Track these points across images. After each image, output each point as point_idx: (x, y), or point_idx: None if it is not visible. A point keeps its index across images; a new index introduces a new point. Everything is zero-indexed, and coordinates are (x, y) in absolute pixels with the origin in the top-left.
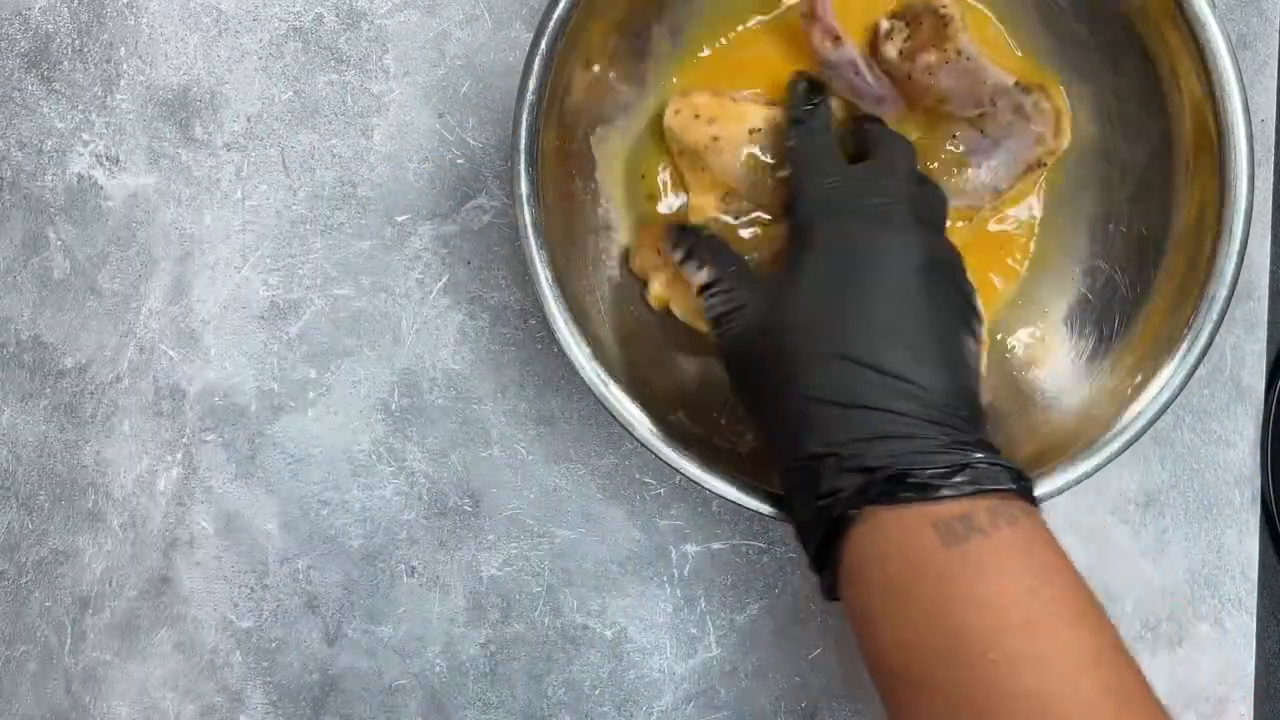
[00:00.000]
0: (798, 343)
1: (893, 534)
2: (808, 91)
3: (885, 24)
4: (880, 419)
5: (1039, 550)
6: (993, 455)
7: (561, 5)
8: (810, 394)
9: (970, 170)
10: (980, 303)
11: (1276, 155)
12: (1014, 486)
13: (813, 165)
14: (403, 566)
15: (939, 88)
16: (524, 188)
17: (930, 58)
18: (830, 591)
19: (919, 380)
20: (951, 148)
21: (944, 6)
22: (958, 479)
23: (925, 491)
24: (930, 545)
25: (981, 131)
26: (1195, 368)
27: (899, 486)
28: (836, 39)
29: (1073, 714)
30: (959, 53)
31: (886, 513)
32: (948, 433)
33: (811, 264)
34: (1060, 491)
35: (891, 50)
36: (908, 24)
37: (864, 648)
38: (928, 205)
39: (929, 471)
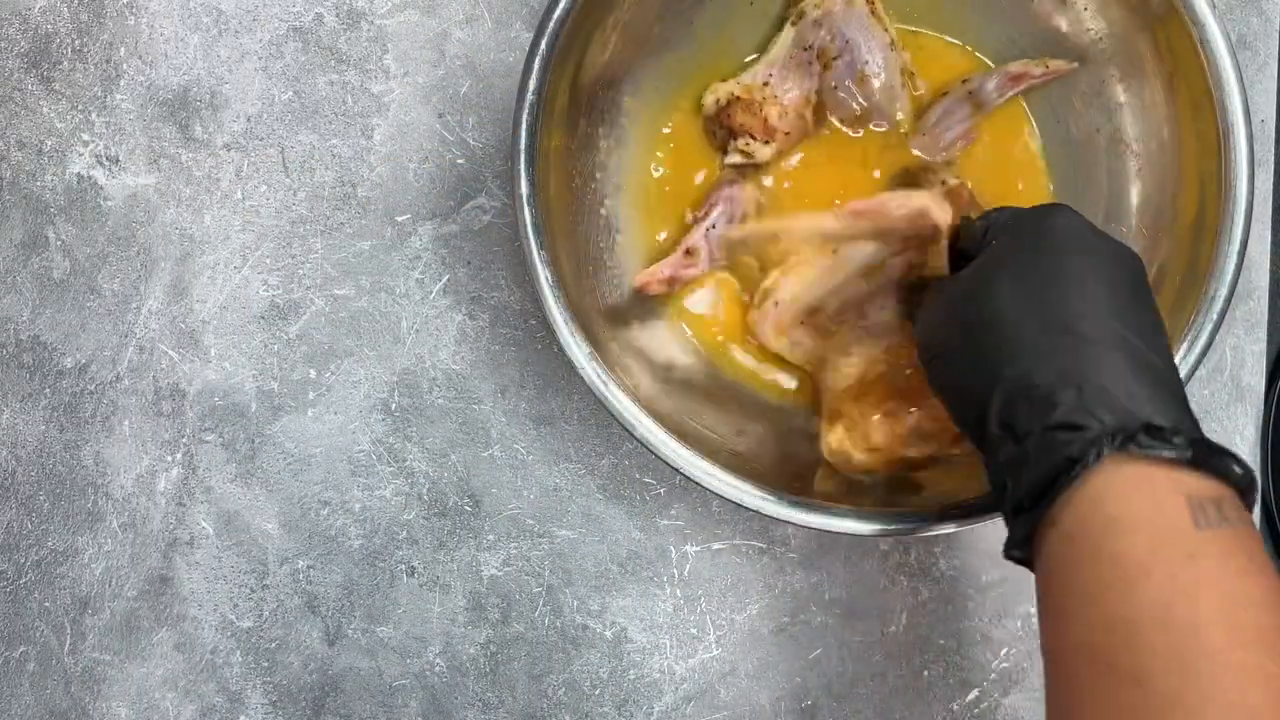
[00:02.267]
0: (1020, 320)
1: (1140, 496)
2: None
3: None
4: (1116, 379)
5: (1266, 557)
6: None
7: (561, 5)
8: (1065, 328)
9: None
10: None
11: (1276, 155)
12: (1242, 476)
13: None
14: (403, 566)
15: None
16: (524, 188)
17: None
18: (1022, 546)
19: (1156, 358)
20: None
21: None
22: (1214, 454)
23: (1177, 450)
24: (1182, 522)
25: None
26: (1195, 368)
27: (1159, 436)
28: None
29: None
30: None
31: (1134, 468)
32: (1185, 409)
33: (1005, 275)
34: None
35: None
36: None
37: (1061, 621)
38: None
39: (1188, 435)
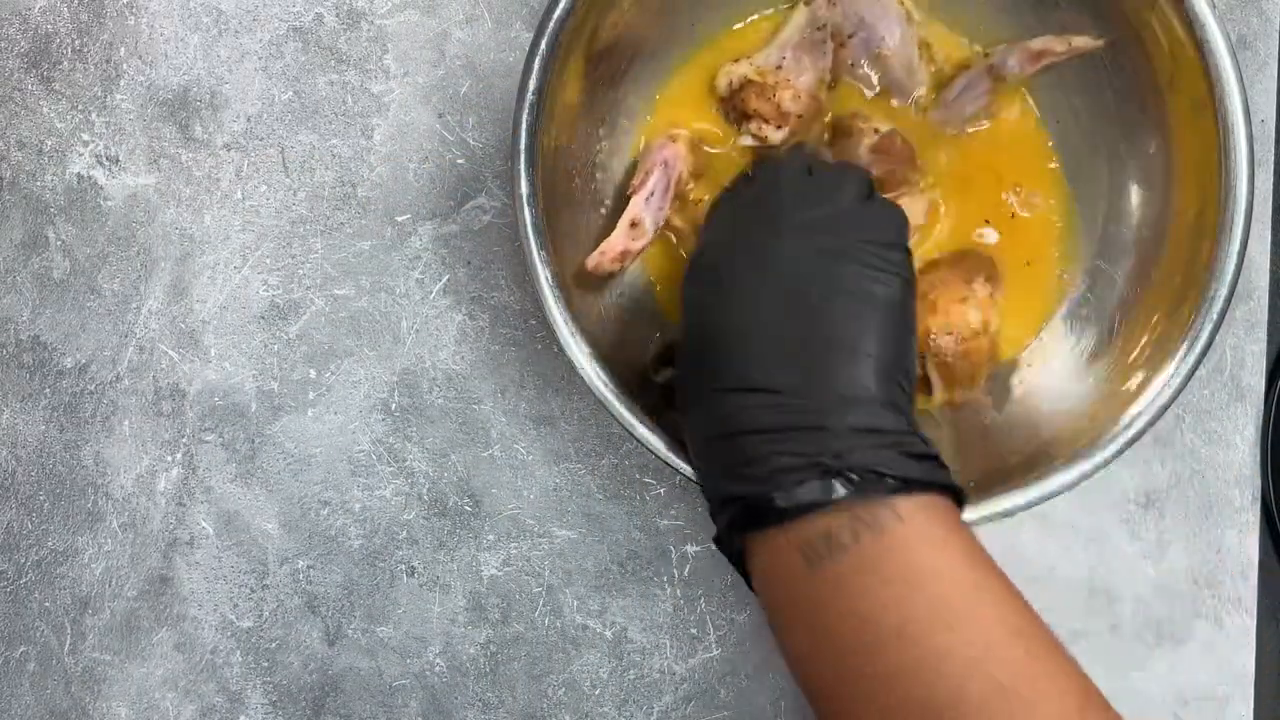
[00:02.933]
0: (687, 383)
1: (769, 560)
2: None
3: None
4: (746, 444)
5: (912, 552)
6: (871, 449)
7: (561, 5)
8: (702, 432)
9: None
10: (900, 260)
11: (1276, 155)
12: (883, 487)
13: (715, 204)
14: (403, 566)
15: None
16: (524, 188)
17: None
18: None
19: (791, 387)
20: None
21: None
22: (811, 496)
23: (779, 515)
24: (798, 570)
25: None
26: (1195, 368)
27: (758, 515)
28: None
29: (963, 718)
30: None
31: (760, 541)
32: (817, 439)
33: (684, 303)
34: (1060, 492)
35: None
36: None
37: (785, 660)
38: (814, 201)
39: (780, 494)
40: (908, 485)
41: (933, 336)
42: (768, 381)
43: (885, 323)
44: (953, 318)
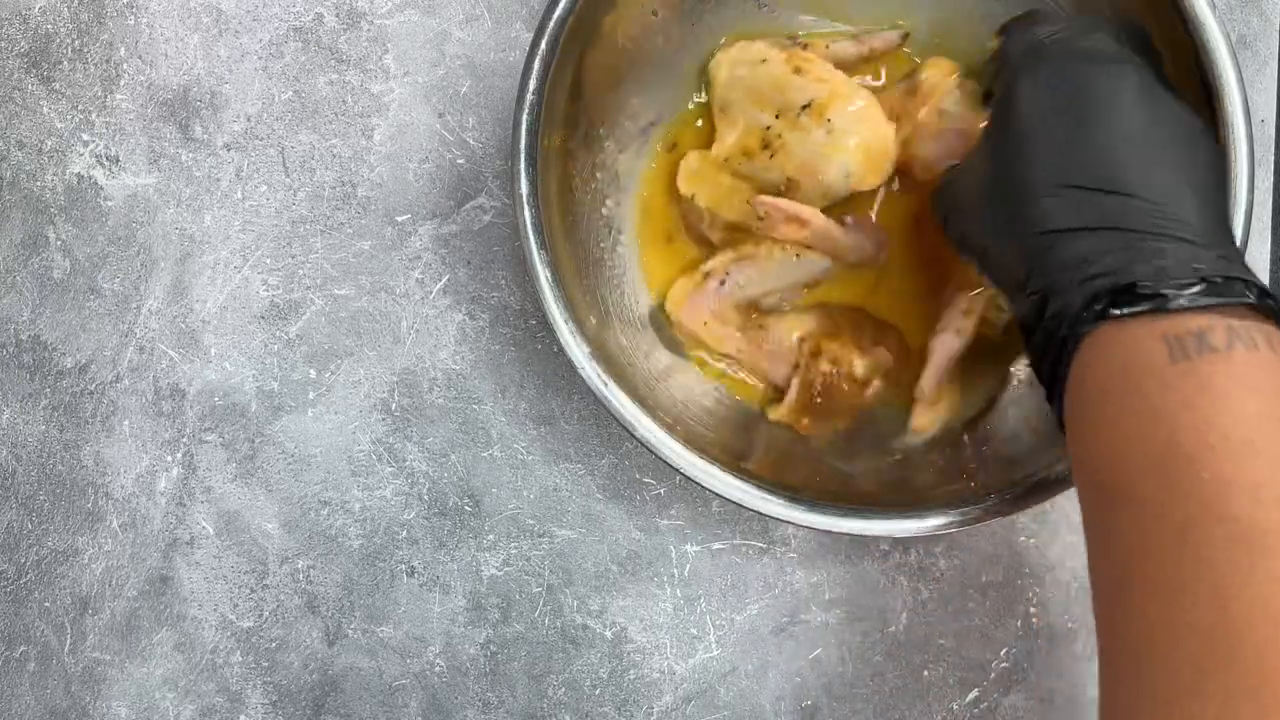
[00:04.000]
0: (1022, 177)
1: (1119, 348)
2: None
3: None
4: (1107, 237)
5: (1275, 379)
6: (1236, 269)
7: (561, 5)
8: (1038, 227)
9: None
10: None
11: (1276, 155)
12: (1255, 300)
13: (1020, 25)
14: (403, 566)
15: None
16: (524, 188)
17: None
18: (1052, 402)
19: (1150, 194)
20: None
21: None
22: (1192, 289)
23: (1154, 302)
24: (1158, 358)
25: None
26: None
27: (1126, 297)
28: (801, 221)
29: (1277, 549)
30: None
31: (1114, 329)
32: (1184, 246)
33: (1026, 98)
34: (1061, 491)
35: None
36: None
37: (1075, 465)
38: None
39: (1159, 282)
40: (1273, 313)
41: (819, 359)
42: (1127, 187)
43: (1219, 173)
44: (843, 355)
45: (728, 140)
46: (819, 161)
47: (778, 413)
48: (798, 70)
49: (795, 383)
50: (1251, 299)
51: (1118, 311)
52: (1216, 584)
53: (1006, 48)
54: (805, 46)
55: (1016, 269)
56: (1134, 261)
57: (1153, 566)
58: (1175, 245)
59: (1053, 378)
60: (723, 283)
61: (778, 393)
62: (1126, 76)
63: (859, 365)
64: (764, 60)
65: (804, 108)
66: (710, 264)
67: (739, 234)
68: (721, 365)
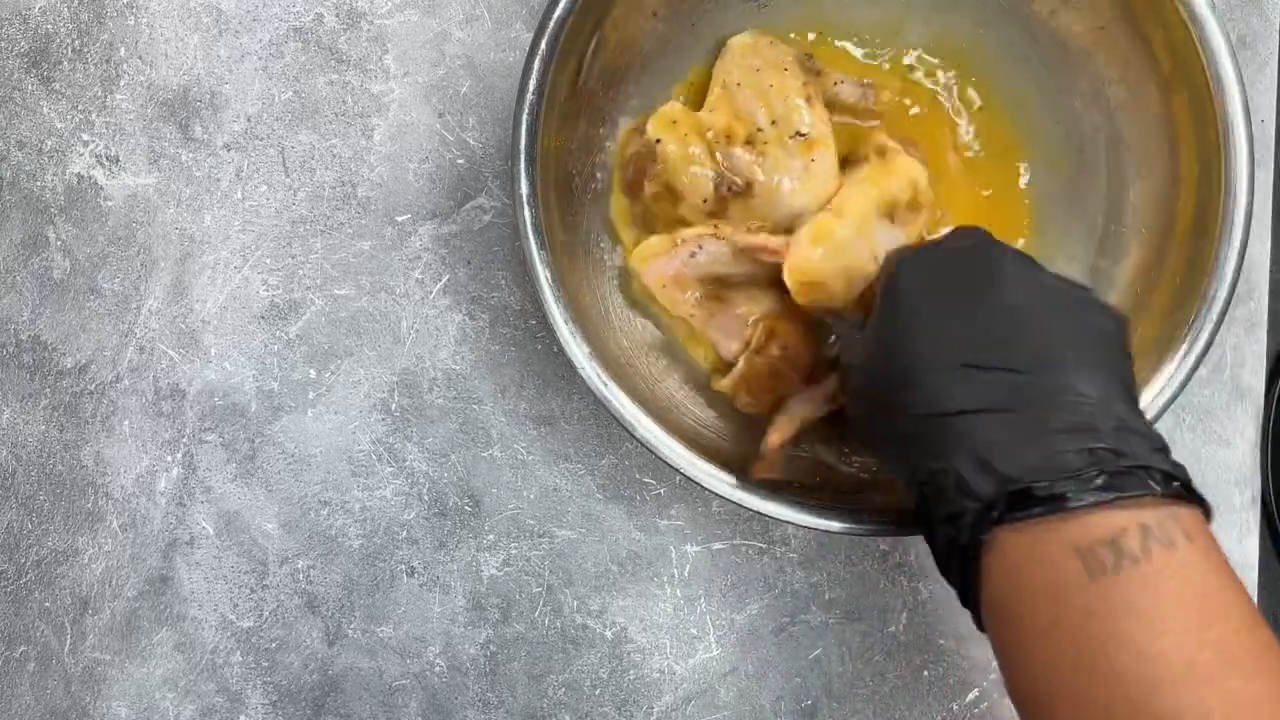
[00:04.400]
0: (900, 362)
1: (1031, 564)
2: None
3: None
4: (999, 422)
5: (1202, 579)
6: (1142, 450)
7: (561, 5)
8: (928, 408)
9: None
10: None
11: (1276, 155)
12: (1161, 490)
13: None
14: (403, 566)
15: None
16: (524, 188)
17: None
18: (980, 625)
19: (1037, 369)
20: None
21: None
22: (1093, 485)
23: (1055, 504)
24: (1074, 577)
25: None
26: (1195, 368)
27: (1025, 501)
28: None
29: None
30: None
31: (1019, 536)
32: (1078, 425)
33: (907, 277)
34: None
35: None
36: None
37: (1009, 682)
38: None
39: (1055, 480)
40: (1184, 495)
41: (771, 343)
42: (1012, 363)
43: (1113, 344)
44: (794, 344)
45: (719, 115)
46: (786, 190)
47: (720, 384)
48: (808, 100)
49: (743, 360)
50: (1156, 490)
51: (1018, 515)
52: None
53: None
54: (819, 74)
55: (904, 458)
56: (1025, 451)
57: None
58: (1069, 425)
59: (963, 585)
60: (693, 254)
61: (725, 365)
62: (1006, 255)
63: (808, 356)
64: (785, 69)
65: (798, 134)
66: (686, 232)
67: (668, 208)
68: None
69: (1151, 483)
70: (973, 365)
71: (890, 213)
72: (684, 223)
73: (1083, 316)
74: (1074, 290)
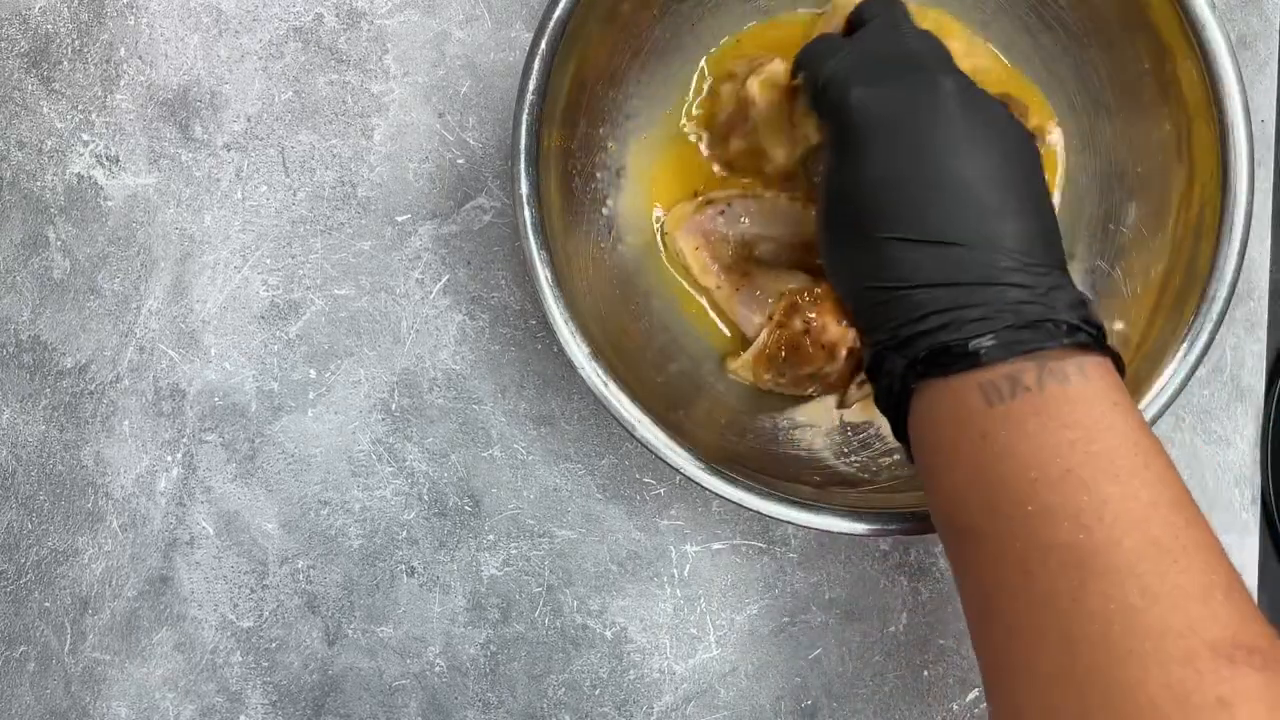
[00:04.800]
0: (846, 231)
1: (944, 401)
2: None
3: None
4: (925, 296)
5: (1090, 405)
6: (1058, 306)
7: (561, 5)
8: (865, 283)
9: None
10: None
11: (1276, 155)
12: (1071, 341)
13: (821, 50)
14: (403, 566)
15: None
16: (524, 188)
17: None
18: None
19: (968, 238)
20: None
21: None
22: (1004, 341)
23: (967, 360)
24: (976, 405)
25: None
26: (1195, 368)
27: (942, 359)
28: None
29: (1110, 568)
30: None
31: (938, 384)
32: (999, 292)
33: (841, 144)
34: None
35: None
36: None
37: (929, 507)
38: (934, 51)
39: (970, 341)
40: (1088, 344)
41: (795, 316)
42: (947, 233)
43: (1040, 179)
44: (819, 318)
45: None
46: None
47: (736, 363)
48: None
49: (765, 332)
50: (1063, 341)
51: (937, 373)
52: (1060, 620)
53: (816, 85)
54: None
55: (858, 316)
56: (953, 319)
57: (1005, 601)
58: (998, 291)
59: (895, 425)
60: (723, 213)
61: (743, 344)
62: (945, 85)
63: (833, 330)
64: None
65: None
66: (715, 193)
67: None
68: (702, 301)
69: (1059, 334)
70: (918, 240)
71: None
72: (763, 178)
73: (1014, 155)
74: (1006, 123)
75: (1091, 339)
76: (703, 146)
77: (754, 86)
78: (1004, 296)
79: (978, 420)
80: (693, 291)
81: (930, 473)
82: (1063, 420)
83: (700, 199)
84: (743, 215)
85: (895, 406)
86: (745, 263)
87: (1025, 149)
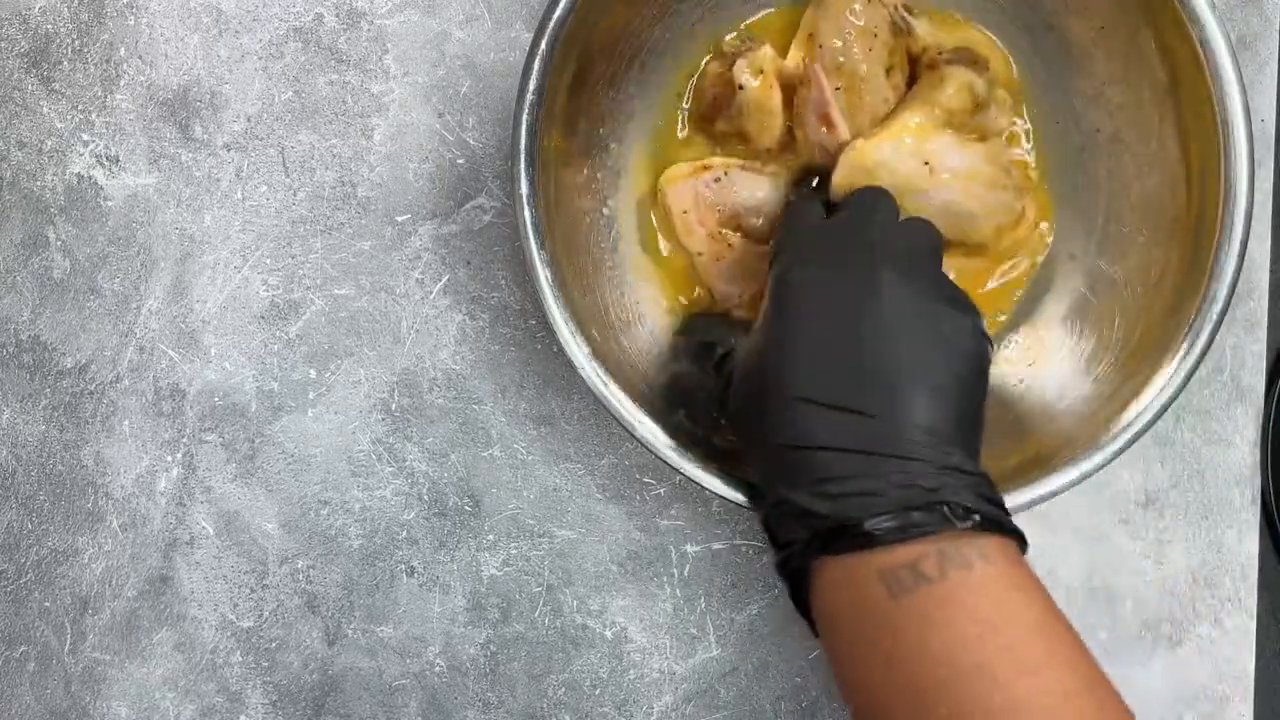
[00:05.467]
0: (763, 388)
1: (845, 586)
2: (809, 175)
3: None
4: (829, 460)
5: (994, 594)
6: (957, 488)
7: (561, 5)
8: (773, 439)
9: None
10: (984, 326)
11: (1276, 155)
12: (970, 524)
13: (794, 220)
14: (403, 566)
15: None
16: (524, 188)
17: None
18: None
19: (878, 411)
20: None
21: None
22: (902, 524)
23: (867, 541)
24: (879, 597)
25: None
26: (1195, 368)
27: (842, 537)
28: (830, 125)
29: None
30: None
31: (837, 564)
32: (904, 468)
33: (775, 309)
34: (1061, 491)
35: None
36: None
37: (838, 684)
38: (905, 245)
39: (871, 519)
40: (988, 526)
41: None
42: (857, 403)
43: (969, 371)
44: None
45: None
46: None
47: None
48: (889, 71)
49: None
50: (967, 524)
51: (835, 549)
52: None
53: (778, 247)
54: (909, 33)
55: (761, 473)
56: (853, 488)
57: None
58: (898, 468)
59: (796, 597)
60: (718, 180)
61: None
62: (884, 267)
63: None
64: (875, 35)
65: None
66: (714, 159)
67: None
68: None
69: (953, 518)
70: (831, 406)
71: (951, 122)
72: (749, 152)
73: (945, 343)
74: (942, 309)
75: (991, 522)
76: (684, 121)
77: (742, 71)
78: (905, 469)
79: (881, 614)
80: (664, 248)
81: (839, 661)
82: (968, 613)
83: (699, 162)
84: (737, 186)
85: (793, 575)
86: (731, 234)
87: (968, 349)
